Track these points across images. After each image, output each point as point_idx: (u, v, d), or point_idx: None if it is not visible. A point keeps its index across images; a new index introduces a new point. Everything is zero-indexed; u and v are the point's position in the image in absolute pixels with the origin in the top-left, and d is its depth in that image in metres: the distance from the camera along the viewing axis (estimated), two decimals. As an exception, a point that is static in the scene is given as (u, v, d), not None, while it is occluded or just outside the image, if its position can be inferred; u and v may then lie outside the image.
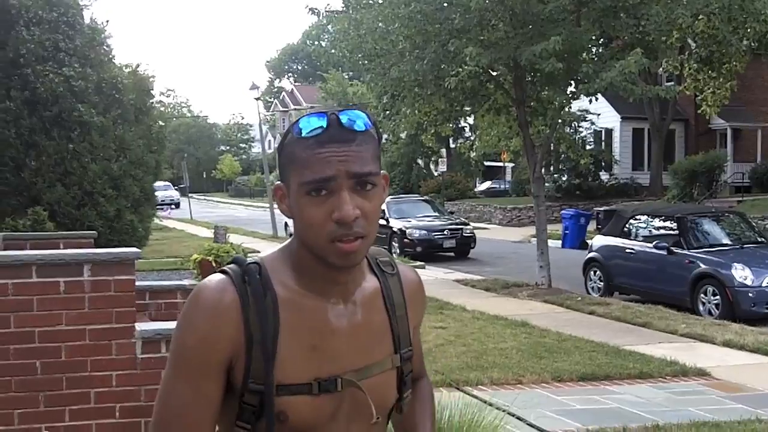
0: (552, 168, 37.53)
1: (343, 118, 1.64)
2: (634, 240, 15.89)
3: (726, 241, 15.09)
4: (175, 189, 60.30)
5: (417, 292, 1.91)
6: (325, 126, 1.63)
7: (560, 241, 25.37)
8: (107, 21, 23.10)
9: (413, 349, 1.89)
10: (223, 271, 1.71)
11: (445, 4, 15.37)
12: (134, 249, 5.54)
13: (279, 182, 1.73)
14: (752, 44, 23.88)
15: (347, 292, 1.74)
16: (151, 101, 24.45)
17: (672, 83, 24.70)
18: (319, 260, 1.67)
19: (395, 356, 1.80)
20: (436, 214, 25.60)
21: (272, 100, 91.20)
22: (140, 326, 5.28)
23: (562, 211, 28.04)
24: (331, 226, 1.62)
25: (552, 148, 24.29)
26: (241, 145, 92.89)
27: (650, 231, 15.93)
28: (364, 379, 1.73)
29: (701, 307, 13.79)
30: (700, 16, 16.14)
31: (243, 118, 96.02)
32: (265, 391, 1.64)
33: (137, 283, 5.67)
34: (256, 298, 1.66)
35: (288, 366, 1.66)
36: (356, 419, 1.74)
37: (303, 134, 1.65)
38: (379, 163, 1.68)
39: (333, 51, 18.87)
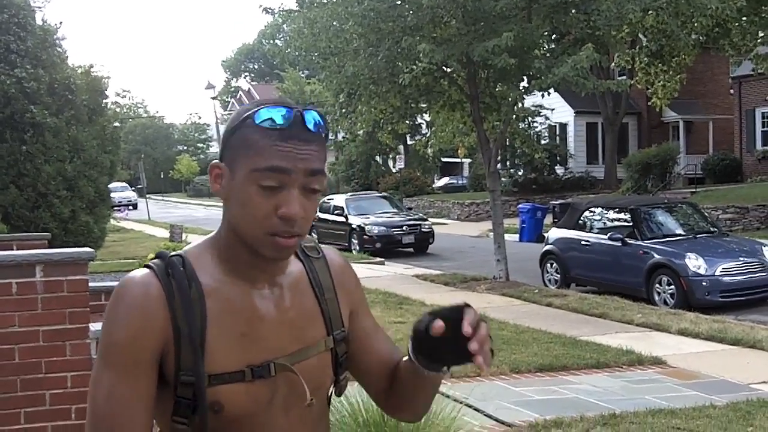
0: (508, 163, 37.77)
1: (308, 117, 1.65)
2: (589, 232, 16.04)
3: (679, 231, 15.28)
4: (133, 190, 59.83)
5: (344, 272, 1.91)
6: (290, 122, 1.64)
7: (517, 235, 25.54)
8: (60, 23, 22.86)
9: (369, 332, 1.91)
10: (147, 266, 1.70)
11: (398, 2, 15.42)
12: (88, 249, 5.50)
13: (218, 162, 1.72)
14: (700, 38, 24.23)
15: (273, 278, 1.75)
16: (105, 102, 24.21)
17: (624, 77, 24.89)
18: (249, 249, 1.68)
19: (328, 338, 1.80)
20: (395, 210, 25.68)
21: (229, 99, 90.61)
22: (95, 326, 5.24)
23: (519, 206, 28.22)
24: (274, 221, 1.63)
25: (507, 143, 24.46)
26: (198, 144, 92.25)
27: (605, 223, 16.09)
28: (297, 363, 1.73)
29: (656, 297, 13.96)
30: (650, 11, 16.33)
31: (200, 118, 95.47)
32: (195, 382, 1.63)
33: (93, 285, 5.63)
34: (180, 290, 1.65)
35: (219, 355, 1.66)
36: (293, 404, 1.74)
37: (265, 125, 1.64)
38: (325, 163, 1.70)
39: (288, 50, 18.82)
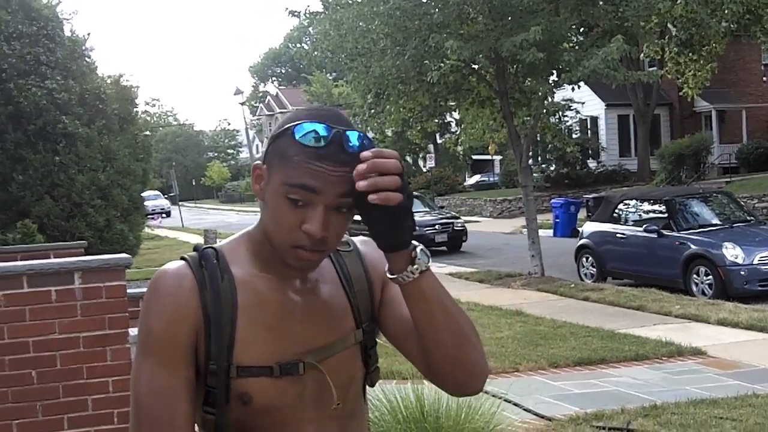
0: (539, 158, 37.62)
1: (349, 138, 1.60)
2: (624, 225, 15.93)
3: (715, 221, 15.14)
4: (165, 198, 60.22)
5: (373, 250, 1.78)
6: (327, 141, 1.60)
7: (551, 230, 25.44)
8: (88, 33, 23.11)
9: (396, 299, 1.77)
10: (182, 258, 1.73)
11: (424, 0, 15.40)
12: (125, 255, 5.54)
13: (260, 163, 1.71)
14: (731, 26, 23.99)
15: (304, 274, 1.75)
16: (135, 110, 24.43)
17: (654, 68, 24.70)
18: (277, 253, 1.69)
19: (357, 331, 1.80)
20: (427, 209, 25.62)
21: (258, 104, 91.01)
22: (134, 331, 5.27)
23: (552, 201, 28.10)
24: (298, 234, 1.62)
25: (538, 138, 24.36)
26: (228, 150, 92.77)
27: (640, 215, 15.98)
28: (327, 358, 1.73)
29: (694, 288, 13.84)
30: (678, 0, 16.21)
31: (229, 124, 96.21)
32: (217, 371, 1.65)
33: (129, 291, 5.66)
34: (212, 281, 1.67)
35: (248, 347, 1.66)
36: (323, 400, 1.74)
37: (303, 141, 1.61)
38: None
39: (315, 53, 18.88)
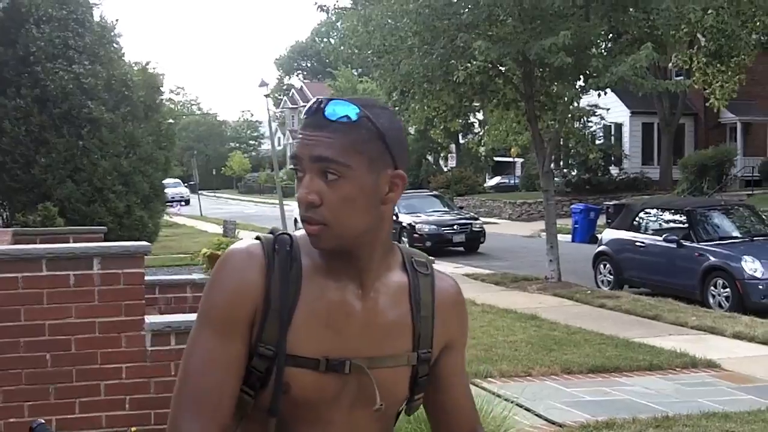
0: (561, 163, 37.50)
1: (327, 107, 1.65)
2: (644, 233, 15.86)
3: (736, 234, 15.05)
4: (185, 186, 60.47)
5: (453, 307, 1.87)
6: (312, 110, 1.66)
7: (570, 236, 25.34)
8: (117, 20, 23.18)
9: (455, 371, 1.89)
10: (257, 238, 1.75)
11: (454, 0, 15.37)
12: (144, 243, 5.56)
13: None
14: (761, 38, 23.82)
15: (367, 279, 1.74)
16: (160, 98, 24.52)
17: (681, 77, 24.57)
18: None
19: (412, 354, 1.79)
20: (446, 209, 25.59)
21: (281, 97, 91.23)
22: (150, 319, 5.30)
23: (572, 206, 28.00)
24: (300, 206, 1.66)
25: (561, 143, 24.28)
26: (250, 142, 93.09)
27: (660, 224, 15.90)
28: (374, 369, 1.72)
29: (711, 300, 13.76)
30: (710, 11, 16.09)
31: (252, 116, 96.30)
32: (275, 357, 1.66)
33: (147, 278, 5.69)
34: (281, 267, 1.69)
35: (299, 337, 1.68)
36: (360, 406, 1.74)
37: (303, 115, 1.71)
38: (360, 156, 1.64)
39: (342, 48, 18.86)
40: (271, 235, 1.74)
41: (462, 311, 1.91)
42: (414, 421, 5.35)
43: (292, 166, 1.69)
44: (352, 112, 1.65)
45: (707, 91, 30.07)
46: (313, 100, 1.68)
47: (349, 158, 1.63)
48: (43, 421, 1.66)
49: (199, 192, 48.99)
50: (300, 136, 1.66)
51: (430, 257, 1.91)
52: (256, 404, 1.70)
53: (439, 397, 1.89)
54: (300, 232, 1.76)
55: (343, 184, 1.64)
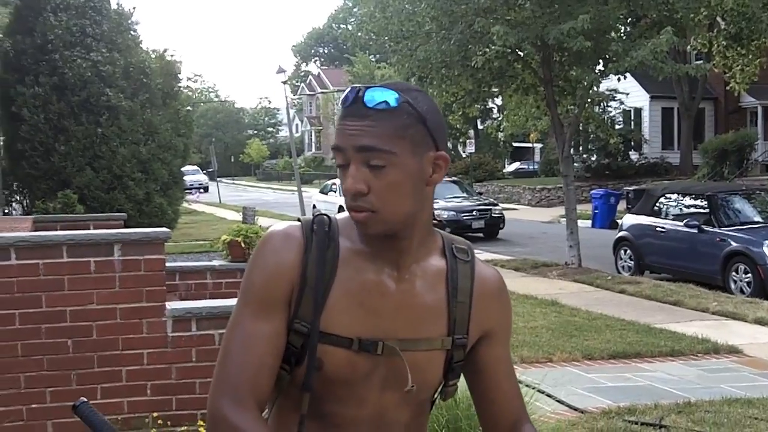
0: (581, 148, 37.32)
1: (366, 94, 1.65)
2: (665, 218, 15.76)
3: (757, 218, 14.92)
4: (204, 173, 60.60)
5: (493, 292, 1.87)
6: (351, 100, 1.66)
7: (590, 221, 25.25)
8: (134, 7, 23.30)
9: (502, 370, 1.89)
10: (297, 219, 1.79)
11: (472, -16, 15.30)
12: (164, 229, 5.56)
13: None
14: (783, 21, 23.56)
15: (405, 261, 1.75)
16: (178, 85, 24.57)
17: (701, 61, 24.37)
18: None
19: (447, 339, 1.79)
20: (465, 195, 25.53)
21: (299, 83, 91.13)
22: (171, 305, 5.30)
23: (592, 191, 27.88)
24: (347, 195, 1.67)
25: (581, 127, 24.17)
26: (268, 129, 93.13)
27: (681, 209, 15.80)
28: (407, 351, 1.73)
29: (732, 285, 13.68)
30: (730, -7, 15.96)
31: (270, 102, 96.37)
32: (309, 333, 1.69)
33: (167, 264, 5.69)
34: (318, 247, 1.72)
35: (333, 316, 1.70)
36: (392, 387, 1.75)
37: (340, 104, 1.70)
38: (403, 141, 1.65)
39: (359, 34, 18.84)
40: (310, 217, 1.77)
41: (504, 302, 1.91)
42: (436, 408, 5.33)
43: (336, 160, 1.69)
44: (391, 97, 1.65)
45: (727, 74, 29.84)
46: (349, 89, 1.68)
47: (393, 145, 1.64)
48: (85, 400, 1.70)
49: (218, 179, 49.10)
50: (341, 126, 1.67)
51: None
52: (291, 380, 1.73)
53: (482, 386, 1.89)
54: (341, 215, 1.79)
55: (389, 170, 1.65)
